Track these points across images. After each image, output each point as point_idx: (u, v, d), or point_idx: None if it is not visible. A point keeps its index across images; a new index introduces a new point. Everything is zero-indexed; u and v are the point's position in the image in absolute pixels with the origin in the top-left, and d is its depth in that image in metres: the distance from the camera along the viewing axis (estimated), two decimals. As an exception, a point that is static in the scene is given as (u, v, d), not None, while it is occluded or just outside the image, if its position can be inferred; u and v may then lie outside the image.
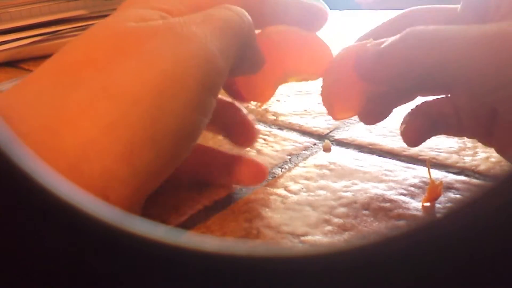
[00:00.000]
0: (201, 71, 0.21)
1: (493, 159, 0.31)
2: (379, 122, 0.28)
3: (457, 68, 0.22)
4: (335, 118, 0.29)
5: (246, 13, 0.24)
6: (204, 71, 0.21)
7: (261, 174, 0.28)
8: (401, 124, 0.28)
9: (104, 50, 0.21)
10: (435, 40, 0.22)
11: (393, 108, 0.28)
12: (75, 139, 0.19)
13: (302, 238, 0.24)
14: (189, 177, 0.29)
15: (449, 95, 0.26)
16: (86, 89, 0.20)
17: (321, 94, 0.28)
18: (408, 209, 0.26)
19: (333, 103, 0.28)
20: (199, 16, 0.23)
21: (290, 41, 0.27)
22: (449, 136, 0.34)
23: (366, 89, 0.27)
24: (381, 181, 0.29)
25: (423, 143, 0.32)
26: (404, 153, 0.32)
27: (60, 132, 0.19)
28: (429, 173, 0.27)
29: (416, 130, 0.27)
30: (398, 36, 0.24)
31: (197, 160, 0.28)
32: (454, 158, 0.31)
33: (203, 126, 0.22)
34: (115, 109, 0.19)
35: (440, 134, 0.29)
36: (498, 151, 0.27)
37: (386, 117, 0.28)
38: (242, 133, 0.30)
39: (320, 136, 0.36)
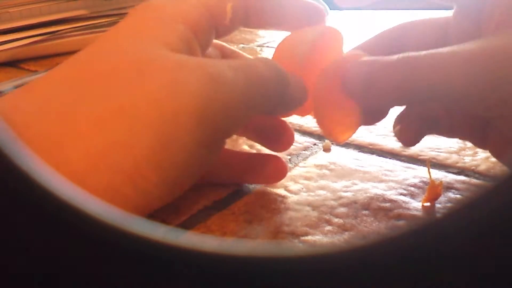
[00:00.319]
0: (220, 115, 0.21)
1: (493, 159, 0.31)
2: (378, 122, 0.28)
3: (451, 92, 0.22)
4: (338, 141, 0.27)
5: (283, 69, 0.24)
6: (222, 116, 0.21)
7: (282, 170, 0.28)
8: (395, 124, 0.28)
9: (127, 69, 0.21)
10: (428, 66, 0.22)
11: (390, 108, 0.27)
12: (84, 150, 0.19)
13: (302, 238, 0.24)
14: (209, 181, 0.28)
15: None
16: (102, 103, 0.20)
17: (316, 120, 0.26)
18: (408, 209, 0.26)
19: (331, 126, 0.26)
20: (236, 63, 0.23)
21: (318, 45, 0.26)
22: (449, 136, 0.34)
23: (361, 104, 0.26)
24: (381, 181, 0.29)
25: (423, 143, 0.32)
26: (404, 153, 0.32)
27: (67, 141, 0.19)
28: (429, 173, 0.27)
29: (412, 130, 0.27)
30: (390, 59, 0.23)
31: (217, 163, 0.28)
32: (454, 158, 0.31)
33: (211, 162, 0.22)
34: (128, 128, 0.20)
35: (433, 134, 0.29)
36: (493, 155, 0.27)
37: (384, 117, 0.28)
38: (279, 137, 0.29)
39: (320, 136, 0.36)
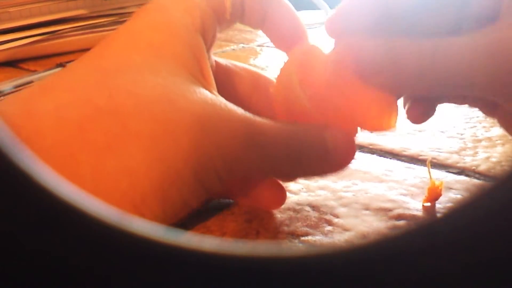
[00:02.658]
0: (226, 171, 0.22)
1: (493, 159, 0.31)
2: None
3: (468, 79, 0.22)
4: (392, 128, 0.25)
5: (301, 142, 0.24)
6: (227, 171, 0.22)
7: (281, 198, 0.27)
8: (404, 102, 0.27)
9: (153, 100, 0.21)
10: (448, 54, 0.22)
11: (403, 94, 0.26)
12: (97, 169, 0.19)
13: (302, 238, 0.24)
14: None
15: None
16: (121, 126, 0.20)
17: (363, 126, 0.25)
18: (409, 209, 0.26)
19: (379, 120, 0.24)
20: (268, 128, 0.23)
21: (308, 75, 0.25)
22: (449, 136, 0.34)
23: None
24: (382, 181, 0.29)
25: (424, 143, 0.32)
26: (405, 153, 0.32)
27: (82, 157, 0.19)
28: (429, 173, 0.27)
29: (421, 107, 0.26)
30: (410, 43, 0.22)
31: None
32: (454, 158, 0.31)
33: (205, 200, 0.23)
34: (145, 158, 0.20)
35: (443, 102, 0.27)
36: (501, 125, 0.27)
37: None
38: (270, 194, 0.27)
39: (320, 136, 0.36)
